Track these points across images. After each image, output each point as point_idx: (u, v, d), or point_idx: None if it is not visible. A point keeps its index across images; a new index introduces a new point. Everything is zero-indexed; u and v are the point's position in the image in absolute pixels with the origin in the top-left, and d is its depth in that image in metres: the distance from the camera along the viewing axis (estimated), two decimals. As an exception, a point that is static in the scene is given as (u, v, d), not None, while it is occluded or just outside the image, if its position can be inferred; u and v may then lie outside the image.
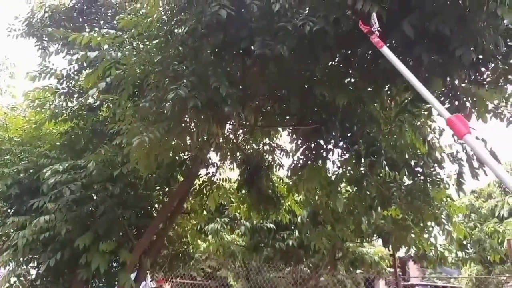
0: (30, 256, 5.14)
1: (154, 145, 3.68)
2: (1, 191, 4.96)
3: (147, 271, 5.66)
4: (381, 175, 4.59)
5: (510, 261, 8.02)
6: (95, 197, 5.11)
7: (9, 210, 5.74)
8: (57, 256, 4.51)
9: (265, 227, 9.47)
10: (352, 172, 4.82)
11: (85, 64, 4.81)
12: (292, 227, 9.58)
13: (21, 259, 4.97)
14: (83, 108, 5.32)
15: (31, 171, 5.25)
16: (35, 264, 5.27)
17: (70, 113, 5.29)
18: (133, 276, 5.12)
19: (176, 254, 6.37)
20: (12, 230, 4.82)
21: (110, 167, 4.75)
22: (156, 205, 5.88)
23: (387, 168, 4.61)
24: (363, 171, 4.75)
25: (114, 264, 5.08)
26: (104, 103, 5.23)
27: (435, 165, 4.94)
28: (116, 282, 4.92)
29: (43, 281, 5.17)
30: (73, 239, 4.52)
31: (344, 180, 4.91)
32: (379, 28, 2.63)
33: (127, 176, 4.84)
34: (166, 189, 5.66)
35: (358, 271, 10.64)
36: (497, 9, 2.69)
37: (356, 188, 4.81)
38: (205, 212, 6.71)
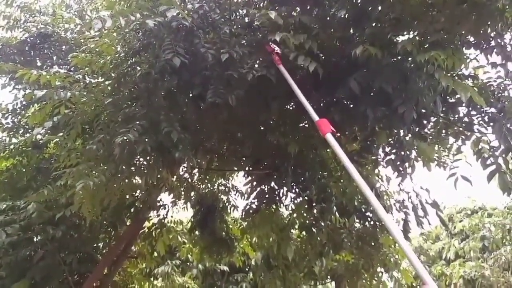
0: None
1: (99, 188, 3.53)
2: None
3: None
4: (331, 221, 4.65)
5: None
6: (35, 240, 4.78)
7: None
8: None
9: (218, 269, 9.24)
10: (305, 216, 4.85)
11: (33, 100, 4.63)
12: (246, 269, 9.40)
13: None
14: (28, 144, 5.06)
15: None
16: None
17: (13, 150, 5.01)
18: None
19: (121, 301, 6.02)
20: None
21: (53, 208, 4.49)
22: (102, 249, 5.57)
23: (337, 214, 4.68)
24: (315, 216, 4.80)
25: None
26: (50, 140, 5.01)
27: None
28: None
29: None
30: (8, 286, 4.17)
31: (295, 225, 4.93)
32: (278, 50, 3.07)
33: (70, 218, 4.58)
34: (113, 232, 5.40)
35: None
36: (435, 73, 2.89)
37: (307, 233, 4.83)
38: (155, 254, 6.44)
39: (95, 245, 5.47)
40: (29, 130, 5.08)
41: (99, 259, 5.25)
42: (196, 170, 6.10)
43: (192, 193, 6.35)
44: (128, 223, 5.29)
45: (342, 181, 4.83)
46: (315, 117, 2.55)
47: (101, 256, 5.38)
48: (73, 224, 4.83)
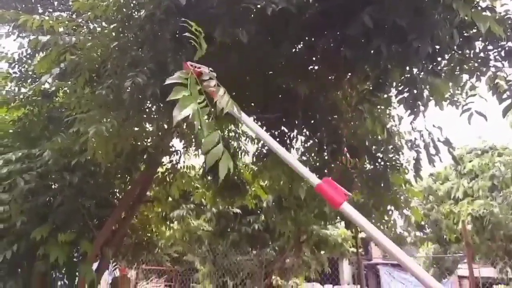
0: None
1: (112, 133, 3.56)
2: None
3: (110, 261, 5.56)
4: (342, 162, 4.68)
5: (464, 240, 8.48)
6: (52, 187, 4.92)
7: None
8: (13, 248, 4.33)
9: (231, 212, 9.53)
10: (315, 158, 4.90)
11: (38, 48, 4.56)
12: (258, 212, 9.69)
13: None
14: (37, 94, 5.05)
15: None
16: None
17: (23, 99, 5.01)
18: (95, 266, 5.03)
19: (140, 243, 6.29)
20: (-37, 222, 4.58)
21: (68, 155, 4.57)
22: (118, 194, 5.74)
23: (348, 155, 4.71)
24: (325, 158, 4.84)
25: (75, 255, 4.95)
26: (60, 89, 4.99)
27: (394, 151, 5.10)
28: (77, 274, 4.81)
29: (0, 273, 4.98)
30: (30, 230, 4.35)
31: (307, 167, 4.97)
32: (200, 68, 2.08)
33: (86, 165, 4.68)
34: (128, 178, 5.53)
35: (322, 252, 10.95)
36: (453, 3, 2.75)
37: (318, 175, 4.88)
38: (170, 199, 6.64)
39: (111, 190, 5.63)
40: (37, 79, 5.05)
41: (116, 204, 5.44)
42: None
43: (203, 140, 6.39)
44: (142, 169, 5.39)
45: (352, 123, 4.81)
46: (315, 181, 1.83)
47: (117, 201, 5.56)
48: (89, 171, 4.94)
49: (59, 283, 4.90)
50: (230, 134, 6.70)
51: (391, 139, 4.84)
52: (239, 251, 11.21)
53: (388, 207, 5.30)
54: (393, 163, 5.10)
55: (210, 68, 2.00)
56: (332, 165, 4.77)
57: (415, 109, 4.02)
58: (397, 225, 6.55)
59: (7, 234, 4.53)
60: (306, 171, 1.95)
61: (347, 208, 1.73)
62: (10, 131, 5.34)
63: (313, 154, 5.05)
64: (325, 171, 4.69)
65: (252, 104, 5.28)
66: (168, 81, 1.72)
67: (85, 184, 4.88)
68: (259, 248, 10.71)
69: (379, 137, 4.91)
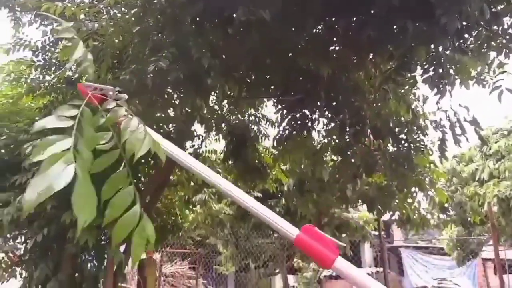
0: (17, 232, 5.10)
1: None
2: (-20, 168, 4.85)
3: (136, 244, 5.69)
4: (365, 143, 4.63)
5: (489, 222, 8.33)
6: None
7: (-9, 188, 5.65)
8: (44, 232, 4.49)
9: (252, 196, 9.59)
10: (337, 141, 4.86)
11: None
12: (279, 195, 9.72)
13: (8, 235, 4.93)
14: (61, 81, 5.14)
15: (11, 147, 5.12)
16: (22, 240, 5.25)
17: (48, 87, 5.11)
18: (122, 248, 5.16)
19: (165, 226, 6.42)
20: (-5, 208, 4.75)
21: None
22: (142, 179, 5.85)
23: (371, 137, 4.65)
24: (348, 140, 4.79)
25: (103, 238, 5.08)
26: (83, 76, 5.07)
27: (419, 132, 5.01)
28: (105, 256, 4.96)
29: (32, 256, 5.17)
30: (59, 214, 4.48)
31: (329, 149, 4.95)
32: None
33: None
34: (152, 162, 5.62)
35: (343, 236, 10.95)
36: (483, -25, 2.64)
37: (341, 157, 4.85)
38: (192, 184, 6.72)
39: (136, 175, 5.73)
40: (61, 67, 5.13)
41: (141, 188, 5.54)
42: (225, 101, 6.11)
43: (223, 125, 6.42)
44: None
45: (376, 103, 4.74)
46: (293, 231, 1.30)
47: (142, 185, 5.67)
48: (114, 157, 5.04)
49: (88, 265, 5.06)
50: (250, 118, 6.70)
51: (415, 119, 4.75)
52: (261, 234, 11.32)
53: (412, 189, 5.23)
54: (417, 144, 5.02)
55: (118, 89, 1.41)
56: (355, 147, 4.72)
57: (441, 88, 3.92)
58: (421, 206, 6.48)
59: (38, 218, 4.69)
60: (281, 221, 1.38)
61: (342, 265, 1.24)
62: (37, 118, 5.48)
63: (334, 137, 5.01)
64: (348, 153, 4.65)
65: (272, 87, 5.26)
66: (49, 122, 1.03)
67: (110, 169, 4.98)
68: (281, 231, 10.78)
69: (403, 118, 4.82)
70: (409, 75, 4.12)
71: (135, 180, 4.51)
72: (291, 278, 14.03)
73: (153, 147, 1.13)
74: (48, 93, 5.15)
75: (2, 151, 5.18)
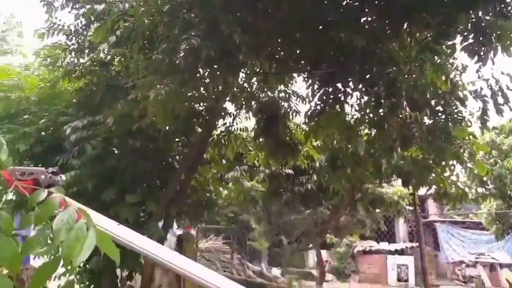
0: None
1: (170, 97, 3.65)
2: (25, 149, 5.06)
3: (174, 219, 5.88)
4: (401, 116, 4.50)
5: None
6: (116, 152, 5.20)
7: (34, 168, 5.91)
8: (86, 210, 4.68)
9: (283, 173, 9.60)
10: (371, 115, 4.74)
11: (92, 18, 4.69)
12: (310, 172, 9.67)
13: (52, 213, 5.15)
14: (95, 63, 5.25)
15: (51, 129, 5.32)
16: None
17: (82, 70, 5.24)
18: (160, 224, 5.33)
19: (200, 202, 6.56)
20: (40, 188, 4.98)
21: (128, 122, 4.77)
22: (177, 157, 5.97)
23: (407, 109, 4.51)
24: (383, 113, 4.67)
25: (142, 215, 5.25)
26: (115, 57, 5.15)
27: (457, 103, 4.81)
28: (145, 231, 5.14)
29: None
30: (100, 193, 4.65)
31: (363, 123, 4.84)
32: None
33: (146, 130, 4.87)
34: (185, 141, 5.72)
35: (377, 211, 10.84)
36: None
37: (376, 130, 4.74)
38: (224, 161, 6.80)
39: (171, 154, 5.86)
40: (94, 49, 5.23)
41: (175, 166, 5.67)
42: (255, 79, 6.06)
43: (253, 102, 6.39)
44: (198, 132, 5.53)
45: (412, 74, 4.57)
46: None
47: (177, 163, 5.79)
48: (149, 136, 5.16)
49: (129, 240, 5.26)
50: (280, 94, 6.63)
51: (454, 90, 4.55)
52: (293, 210, 11.38)
53: (450, 162, 5.08)
54: (456, 115, 4.83)
55: (51, 169, 1.20)
56: (390, 121, 4.59)
57: (482, 56, 3.73)
58: (459, 180, 6.30)
59: (80, 196, 4.89)
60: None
61: None
62: (74, 101, 5.65)
63: (369, 110, 4.89)
64: (384, 126, 4.54)
65: (303, 62, 5.16)
66: None
67: (146, 149, 5.10)
68: (313, 207, 10.78)
69: (441, 88, 4.63)
70: (447, 43, 3.92)
71: (170, 159, 4.57)
72: (324, 253, 14.13)
73: (101, 245, 0.98)
74: (83, 75, 5.28)
75: (43, 133, 5.39)
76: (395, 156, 4.81)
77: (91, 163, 4.72)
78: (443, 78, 4.39)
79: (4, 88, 5.51)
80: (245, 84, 6.17)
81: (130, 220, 4.47)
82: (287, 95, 6.65)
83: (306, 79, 5.33)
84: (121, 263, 4.99)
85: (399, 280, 15.97)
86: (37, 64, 6.11)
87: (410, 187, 8.32)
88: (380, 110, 4.60)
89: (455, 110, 4.86)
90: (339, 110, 4.72)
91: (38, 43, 5.89)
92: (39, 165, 5.31)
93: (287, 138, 6.61)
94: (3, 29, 11.65)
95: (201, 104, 5.07)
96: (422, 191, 10.21)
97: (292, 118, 6.87)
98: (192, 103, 4.73)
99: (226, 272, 12.72)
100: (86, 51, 5.41)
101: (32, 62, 6.45)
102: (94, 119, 4.65)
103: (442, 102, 4.89)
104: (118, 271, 5.30)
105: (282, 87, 6.55)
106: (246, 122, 7.15)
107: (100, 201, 4.62)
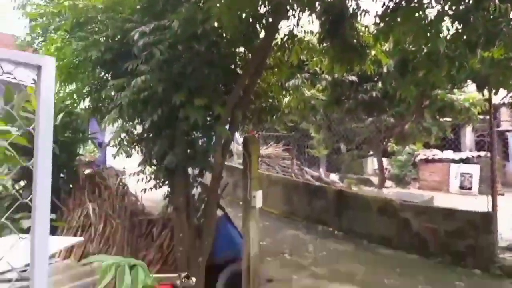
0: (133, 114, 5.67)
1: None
2: (97, 57, 5.28)
3: (239, 124, 6.07)
4: (489, 8, 3.99)
5: None
6: (182, 57, 5.25)
7: (106, 75, 6.22)
8: (158, 112, 4.90)
9: (347, 80, 9.29)
10: (453, 8, 4.24)
11: None
12: (375, 79, 9.26)
13: (126, 117, 5.45)
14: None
15: (118, 36, 5.44)
16: (139, 121, 5.84)
17: (143, -26, 5.13)
18: (226, 127, 5.53)
19: (263, 108, 6.65)
20: (113, 93, 5.27)
21: (193, 25, 4.71)
22: (240, 62, 5.94)
23: (496, 0, 3.97)
24: (465, 7, 4.16)
25: (208, 118, 5.46)
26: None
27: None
28: (212, 133, 5.39)
29: (149, 135, 5.80)
30: (169, 96, 4.82)
31: (445, 17, 4.35)
32: None
33: (209, 35, 4.81)
34: (249, 46, 5.62)
35: (446, 119, 10.36)
36: None
37: (461, 24, 4.25)
38: (287, 68, 6.66)
39: (234, 59, 5.83)
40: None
41: (238, 72, 5.67)
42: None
43: (317, 3, 5.97)
44: (261, 35, 5.38)
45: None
46: None
47: (241, 69, 5.78)
48: (212, 41, 5.11)
49: (199, 141, 5.57)
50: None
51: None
52: (356, 118, 11.22)
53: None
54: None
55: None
56: (475, 14, 4.10)
57: None
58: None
59: (150, 100, 5.12)
60: None
61: None
62: (137, 7, 5.64)
63: (450, 3, 4.37)
64: (470, 19, 4.06)
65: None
66: None
67: (210, 54, 5.10)
68: (377, 115, 10.54)
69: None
70: None
71: (233, 65, 4.55)
72: (384, 161, 14.11)
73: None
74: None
75: (110, 41, 5.54)
76: (478, 53, 4.37)
77: (159, 68, 4.84)
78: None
79: (71, -5, 5.59)
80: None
81: (199, 121, 4.65)
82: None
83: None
84: (192, 162, 5.36)
85: (461, 188, 15.77)
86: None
87: (486, 93, 7.76)
88: (464, 2, 4.10)
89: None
90: (416, 4, 4.27)
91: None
92: (110, 72, 5.55)
93: (354, 41, 6.23)
94: None
95: (266, 3, 4.83)
96: (496, 98, 9.48)
97: (360, 19, 6.40)
98: (256, 4, 4.52)
99: (286, 176, 13.30)
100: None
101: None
102: (160, 24, 4.65)
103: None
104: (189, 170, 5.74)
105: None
106: (309, 26, 6.79)
107: (170, 104, 4.82)
